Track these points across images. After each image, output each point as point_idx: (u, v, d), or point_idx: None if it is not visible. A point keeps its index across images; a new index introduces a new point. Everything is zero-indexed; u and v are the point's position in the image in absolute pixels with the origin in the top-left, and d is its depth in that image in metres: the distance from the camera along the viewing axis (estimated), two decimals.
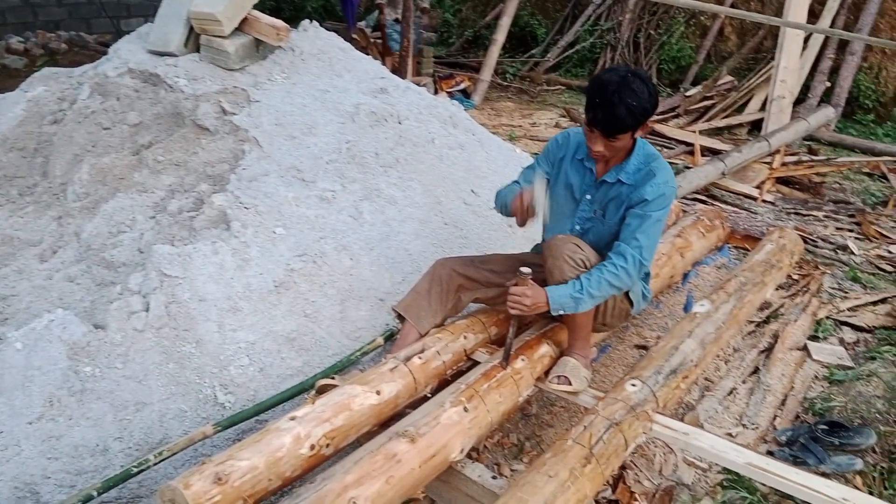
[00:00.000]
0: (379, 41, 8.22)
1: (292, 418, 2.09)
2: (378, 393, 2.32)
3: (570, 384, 2.57)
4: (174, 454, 2.15)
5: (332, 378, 2.50)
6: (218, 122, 3.28)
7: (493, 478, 2.26)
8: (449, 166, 3.75)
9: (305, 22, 4.10)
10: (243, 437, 2.30)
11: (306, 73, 3.82)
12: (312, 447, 2.06)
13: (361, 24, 9.37)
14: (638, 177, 2.49)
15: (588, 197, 2.61)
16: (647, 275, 2.81)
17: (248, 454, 1.92)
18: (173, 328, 2.49)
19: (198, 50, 3.77)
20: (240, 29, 3.77)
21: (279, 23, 3.76)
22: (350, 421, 2.20)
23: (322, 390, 2.37)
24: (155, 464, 2.11)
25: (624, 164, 2.51)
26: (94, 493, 2.01)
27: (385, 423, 2.32)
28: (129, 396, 2.34)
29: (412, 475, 2.05)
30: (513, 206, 2.54)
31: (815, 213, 5.38)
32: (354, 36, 8.21)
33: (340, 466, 1.97)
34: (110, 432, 2.27)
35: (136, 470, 2.08)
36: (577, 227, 2.67)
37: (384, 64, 5.64)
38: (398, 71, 6.89)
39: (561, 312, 2.44)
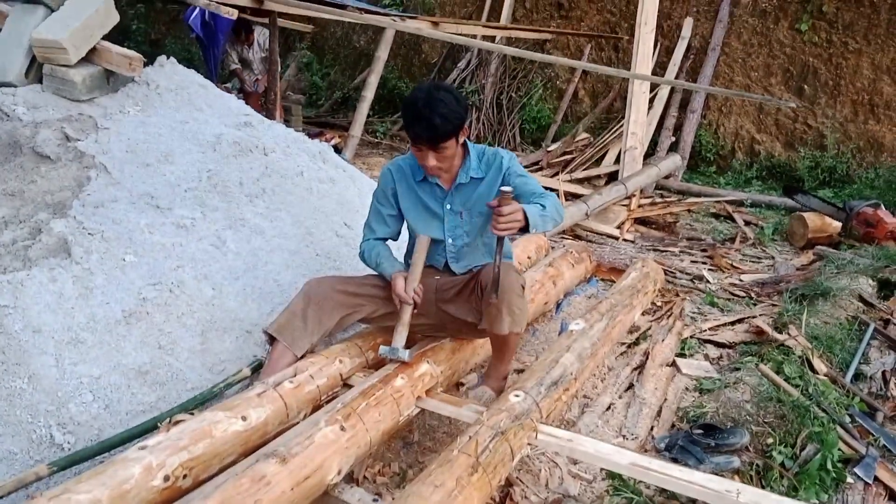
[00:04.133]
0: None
1: (143, 447, 1.85)
2: (244, 419, 2.12)
3: None
4: (0, 498, 1.83)
5: (192, 413, 2.25)
6: (60, 150, 3.00)
7: (375, 501, 2.09)
8: (319, 199, 3.63)
9: (162, 57, 3.90)
10: None
11: (163, 106, 3.61)
12: (167, 478, 1.82)
13: (227, 85, 9.20)
14: (483, 166, 2.61)
15: (448, 206, 2.64)
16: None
17: (89, 487, 1.67)
18: (1, 362, 2.16)
19: (41, 81, 3.49)
20: (88, 59, 3.55)
21: (132, 53, 3.57)
22: (212, 449, 1.98)
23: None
24: None
25: (466, 163, 2.61)
26: None
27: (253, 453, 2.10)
28: None
29: (283, 499, 1.85)
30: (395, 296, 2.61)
31: (671, 248, 5.71)
32: None
33: (199, 492, 1.74)
34: None
35: None
36: (450, 240, 2.67)
37: None
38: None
39: (534, 232, 2.37)
